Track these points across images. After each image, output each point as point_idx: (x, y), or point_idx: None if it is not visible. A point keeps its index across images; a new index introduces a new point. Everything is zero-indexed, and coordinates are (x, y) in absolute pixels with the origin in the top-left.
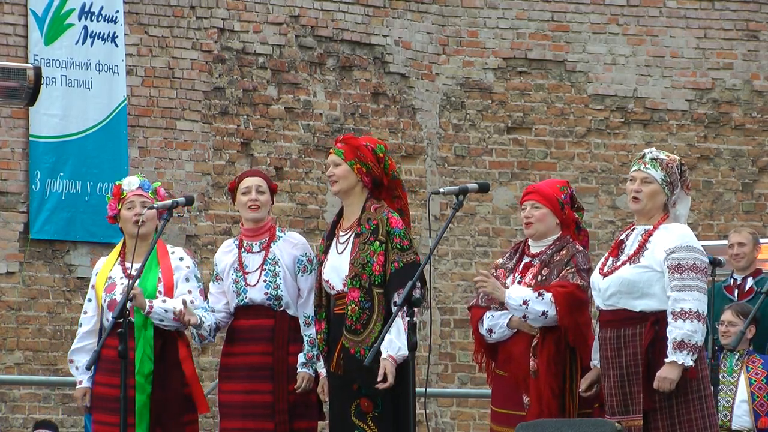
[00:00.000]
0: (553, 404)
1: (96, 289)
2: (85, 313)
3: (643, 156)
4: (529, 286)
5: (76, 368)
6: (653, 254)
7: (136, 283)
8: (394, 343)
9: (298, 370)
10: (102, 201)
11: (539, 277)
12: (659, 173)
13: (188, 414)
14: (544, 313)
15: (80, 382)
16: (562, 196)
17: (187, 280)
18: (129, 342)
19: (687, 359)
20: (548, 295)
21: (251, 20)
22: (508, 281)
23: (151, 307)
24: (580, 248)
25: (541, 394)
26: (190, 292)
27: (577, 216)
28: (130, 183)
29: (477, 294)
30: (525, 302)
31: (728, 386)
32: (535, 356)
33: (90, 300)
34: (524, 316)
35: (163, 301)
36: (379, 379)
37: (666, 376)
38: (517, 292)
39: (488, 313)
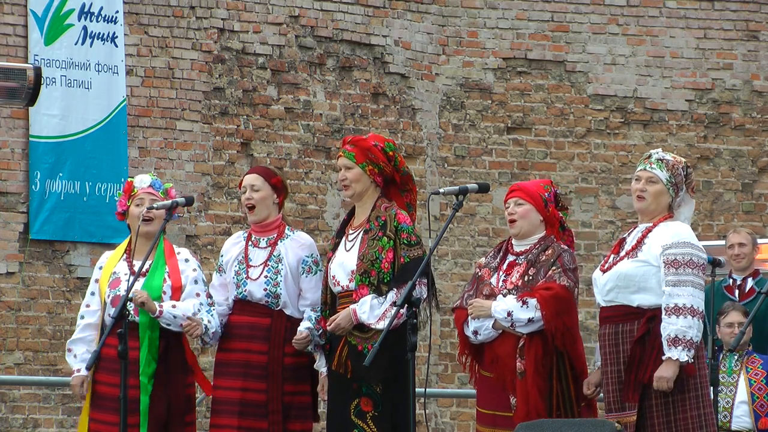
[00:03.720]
0: (541, 405)
1: (100, 283)
2: (88, 306)
3: (650, 156)
4: (516, 285)
5: (74, 357)
6: (650, 249)
7: (140, 287)
8: (372, 310)
9: (300, 329)
10: (101, 201)
11: (526, 276)
12: (664, 174)
13: (189, 414)
14: (530, 320)
15: (78, 370)
16: (546, 194)
17: (195, 282)
18: (129, 342)
19: (683, 355)
20: (532, 301)
21: (251, 20)
22: (493, 279)
23: (161, 312)
24: (566, 247)
25: (528, 394)
26: (198, 294)
27: (561, 215)
28: (142, 180)
29: (461, 296)
30: (509, 313)
31: (728, 387)
32: (522, 357)
33: (93, 294)
34: (512, 325)
35: (173, 306)
36: (328, 324)
37: (662, 375)
38: (501, 305)
39: None
